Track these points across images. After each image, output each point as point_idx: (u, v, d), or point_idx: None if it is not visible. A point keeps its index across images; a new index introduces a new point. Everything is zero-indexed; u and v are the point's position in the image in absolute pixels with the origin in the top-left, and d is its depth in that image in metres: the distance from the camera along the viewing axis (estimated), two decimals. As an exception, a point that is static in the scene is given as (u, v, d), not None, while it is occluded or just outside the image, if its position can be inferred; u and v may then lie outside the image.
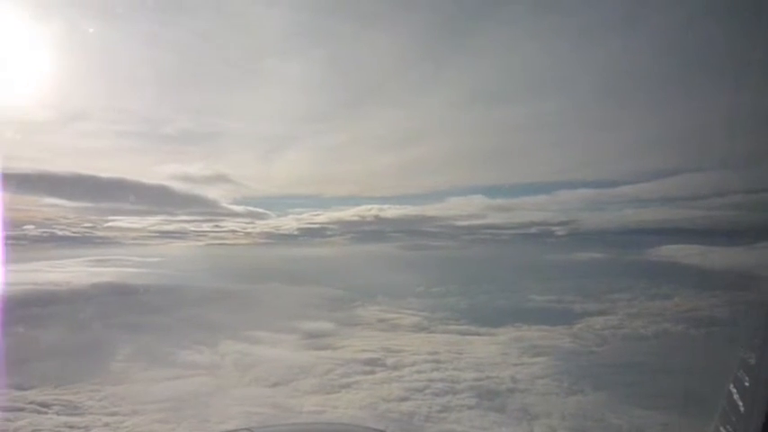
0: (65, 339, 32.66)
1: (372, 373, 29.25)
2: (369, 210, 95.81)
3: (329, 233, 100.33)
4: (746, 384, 3.40)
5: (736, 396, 3.47)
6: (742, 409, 3.36)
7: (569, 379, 25.94)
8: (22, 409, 22.50)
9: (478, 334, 40.20)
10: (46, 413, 22.61)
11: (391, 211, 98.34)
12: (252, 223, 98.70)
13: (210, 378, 27.98)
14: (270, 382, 27.68)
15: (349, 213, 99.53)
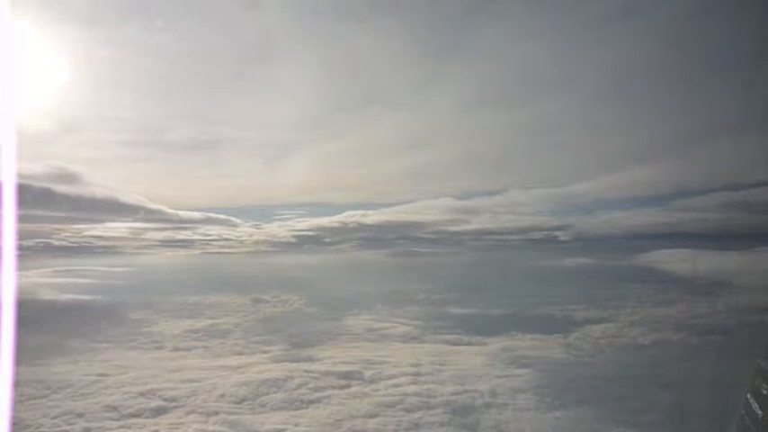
0: None
1: (347, 387, 27.63)
2: (352, 216, 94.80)
3: (326, 240, 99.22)
4: (764, 392, 3.45)
5: (754, 404, 3.50)
6: (760, 416, 3.40)
7: (553, 393, 24.10)
8: None
9: (469, 343, 38.42)
10: None
11: (374, 217, 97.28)
12: (230, 231, 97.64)
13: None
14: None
15: (332, 220, 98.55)
